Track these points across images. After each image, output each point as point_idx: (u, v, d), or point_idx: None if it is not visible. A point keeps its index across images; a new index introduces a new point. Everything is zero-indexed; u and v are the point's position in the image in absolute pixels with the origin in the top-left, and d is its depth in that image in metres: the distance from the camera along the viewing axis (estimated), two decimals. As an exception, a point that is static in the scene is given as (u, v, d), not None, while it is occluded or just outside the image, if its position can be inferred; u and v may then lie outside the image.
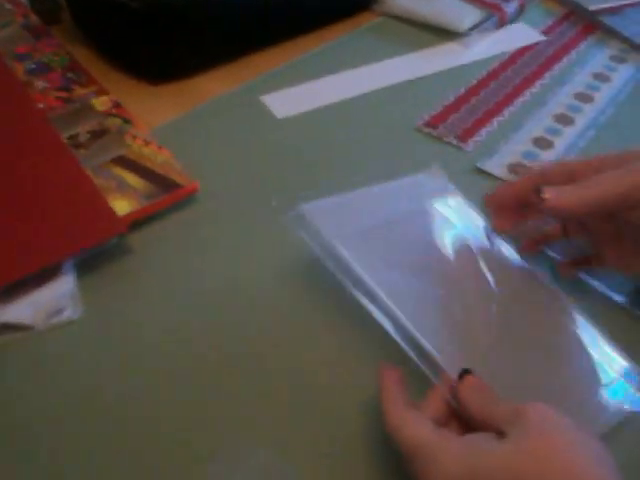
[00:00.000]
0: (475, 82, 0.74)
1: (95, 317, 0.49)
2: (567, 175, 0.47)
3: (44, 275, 0.50)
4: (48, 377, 0.45)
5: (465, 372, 0.42)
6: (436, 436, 0.38)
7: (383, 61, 0.77)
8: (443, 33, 0.82)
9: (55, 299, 0.49)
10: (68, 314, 0.49)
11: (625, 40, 0.83)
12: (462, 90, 0.73)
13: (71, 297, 0.50)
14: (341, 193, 0.51)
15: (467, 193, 0.60)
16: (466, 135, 0.66)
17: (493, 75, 0.76)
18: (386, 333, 0.43)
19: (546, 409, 0.36)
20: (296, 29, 0.81)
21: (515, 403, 0.38)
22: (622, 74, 0.77)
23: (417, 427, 0.38)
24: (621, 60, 0.80)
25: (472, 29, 0.82)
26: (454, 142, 0.65)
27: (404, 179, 0.54)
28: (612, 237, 0.49)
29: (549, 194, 0.44)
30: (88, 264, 0.52)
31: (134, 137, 0.62)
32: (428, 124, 0.68)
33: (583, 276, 0.52)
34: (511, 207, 0.50)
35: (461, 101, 0.71)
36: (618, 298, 0.51)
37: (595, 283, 0.52)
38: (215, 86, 0.72)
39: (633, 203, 0.44)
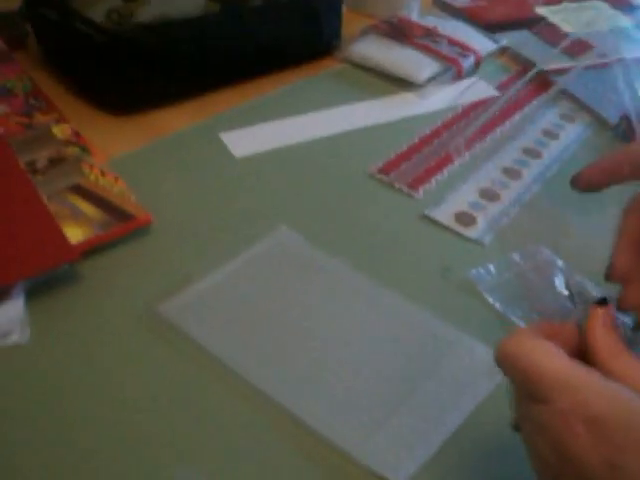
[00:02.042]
0: (429, 132, 0.77)
1: (42, 342, 0.50)
2: None
3: (-6, 297, 0.51)
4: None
5: (602, 301, 0.36)
6: (581, 372, 0.32)
7: (341, 107, 0.80)
8: (401, 83, 0.85)
9: (3, 322, 0.50)
10: (16, 338, 0.50)
11: (575, 100, 0.87)
12: (416, 139, 0.76)
13: (20, 321, 0.50)
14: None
15: (415, 239, 0.62)
16: (416, 183, 0.69)
17: (446, 126, 0.79)
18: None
19: None
20: (258, 70, 0.83)
21: None
22: (570, 132, 0.81)
23: (555, 358, 0.33)
24: (570, 119, 0.83)
25: (429, 80, 0.85)
26: (405, 189, 0.68)
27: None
28: None
29: None
30: (39, 289, 0.53)
31: (91, 166, 0.63)
32: (381, 171, 0.70)
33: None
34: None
35: (414, 150, 0.74)
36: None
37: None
38: (175, 121, 0.74)
39: None
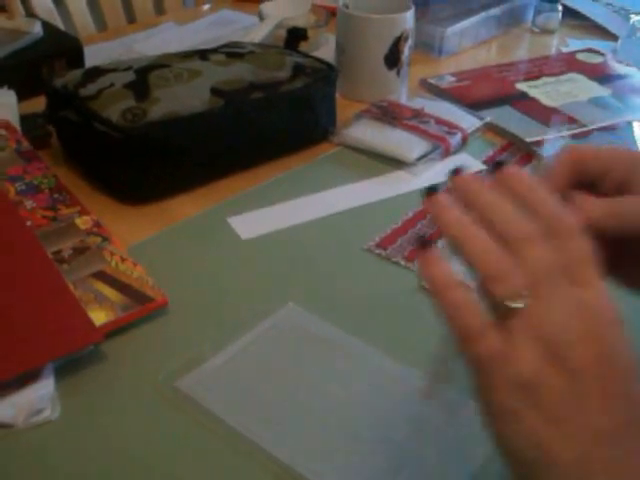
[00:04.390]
0: (422, 207, 0.82)
1: (71, 418, 0.54)
2: (602, 167, 0.45)
3: (26, 377, 0.55)
4: (25, 471, 0.50)
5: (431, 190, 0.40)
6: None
7: (339, 187, 0.85)
8: (393, 162, 0.90)
9: (35, 400, 0.54)
10: (47, 414, 0.54)
11: (557, 169, 0.92)
12: (410, 214, 0.81)
13: (50, 399, 0.55)
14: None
15: (415, 309, 0.66)
16: (412, 256, 0.74)
17: (437, 201, 0.84)
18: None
19: None
20: (260, 158, 0.88)
21: None
22: (554, 200, 0.86)
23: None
24: (554, 187, 0.88)
25: (420, 159, 0.90)
26: (402, 262, 0.73)
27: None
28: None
29: (585, 205, 0.42)
30: (67, 368, 0.57)
31: (112, 254, 0.68)
32: (378, 245, 0.75)
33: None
34: None
35: (408, 224, 0.79)
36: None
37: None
38: (186, 208, 0.80)
39: None
